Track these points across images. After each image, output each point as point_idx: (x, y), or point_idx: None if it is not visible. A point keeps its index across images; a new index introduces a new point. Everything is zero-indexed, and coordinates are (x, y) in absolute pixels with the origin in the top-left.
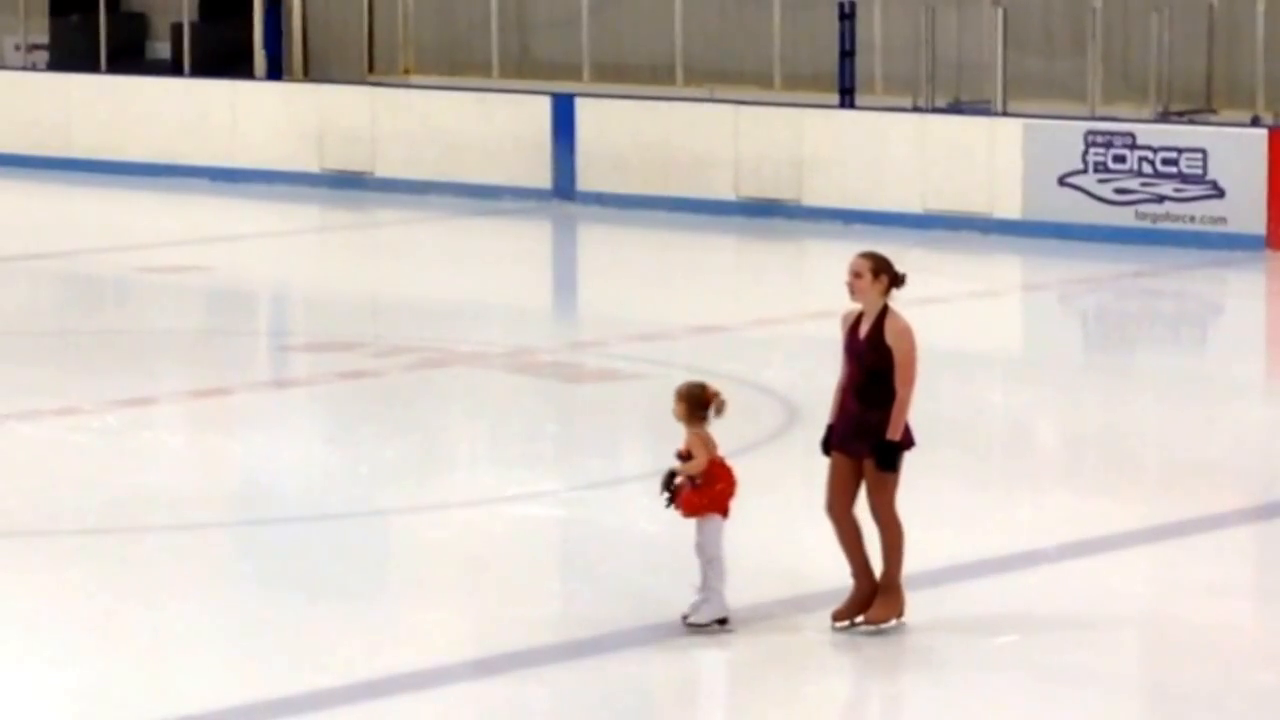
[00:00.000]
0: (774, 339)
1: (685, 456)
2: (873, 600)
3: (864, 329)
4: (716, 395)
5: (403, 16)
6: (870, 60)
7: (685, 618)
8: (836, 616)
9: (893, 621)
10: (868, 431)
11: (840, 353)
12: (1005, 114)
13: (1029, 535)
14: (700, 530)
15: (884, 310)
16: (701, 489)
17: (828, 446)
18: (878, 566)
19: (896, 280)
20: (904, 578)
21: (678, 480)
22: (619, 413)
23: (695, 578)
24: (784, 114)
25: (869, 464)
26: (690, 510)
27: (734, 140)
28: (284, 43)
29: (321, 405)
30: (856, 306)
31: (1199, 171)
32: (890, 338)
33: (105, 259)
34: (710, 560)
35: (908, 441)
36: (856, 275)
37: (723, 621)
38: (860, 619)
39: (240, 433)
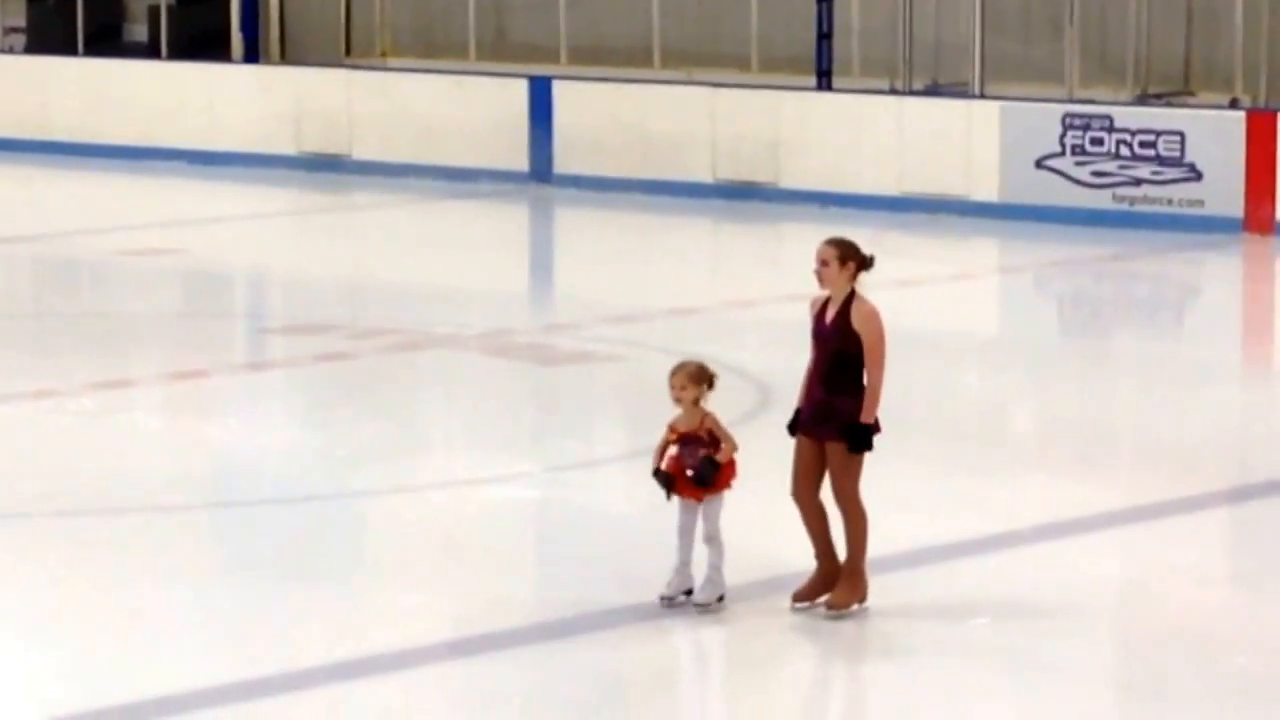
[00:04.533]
0: (750, 321)
1: (693, 437)
2: (835, 583)
3: (830, 314)
4: (713, 371)
5: None
6: (848, 43)
7: (684, 594)
8: (797, 597)
9: (854, 607)
10: (834, 416)
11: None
12: (983, 97)
13: (1003, 518)
14: (707, 510)
15: (851, 295)
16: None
17: (794, 429)
18: (842, 550)
19: (864, 264)
20: (875, 561)
21: (720, 463)
22: (595, 394)
23: (675, 557)
24: (761, 96)
25: (834, 448)
26: (718, 489)
27: (711, 123)
28: (261, 26)
29: (298, 388)
30: (824, 291)
31: (1176, 154)
32: (857, 323)
33: (82, 241)
34: (713, 538)
35: (875, 427)
36: (824, 263)
37: (721, 598)
38: (821, 600)
39: (217, 415)
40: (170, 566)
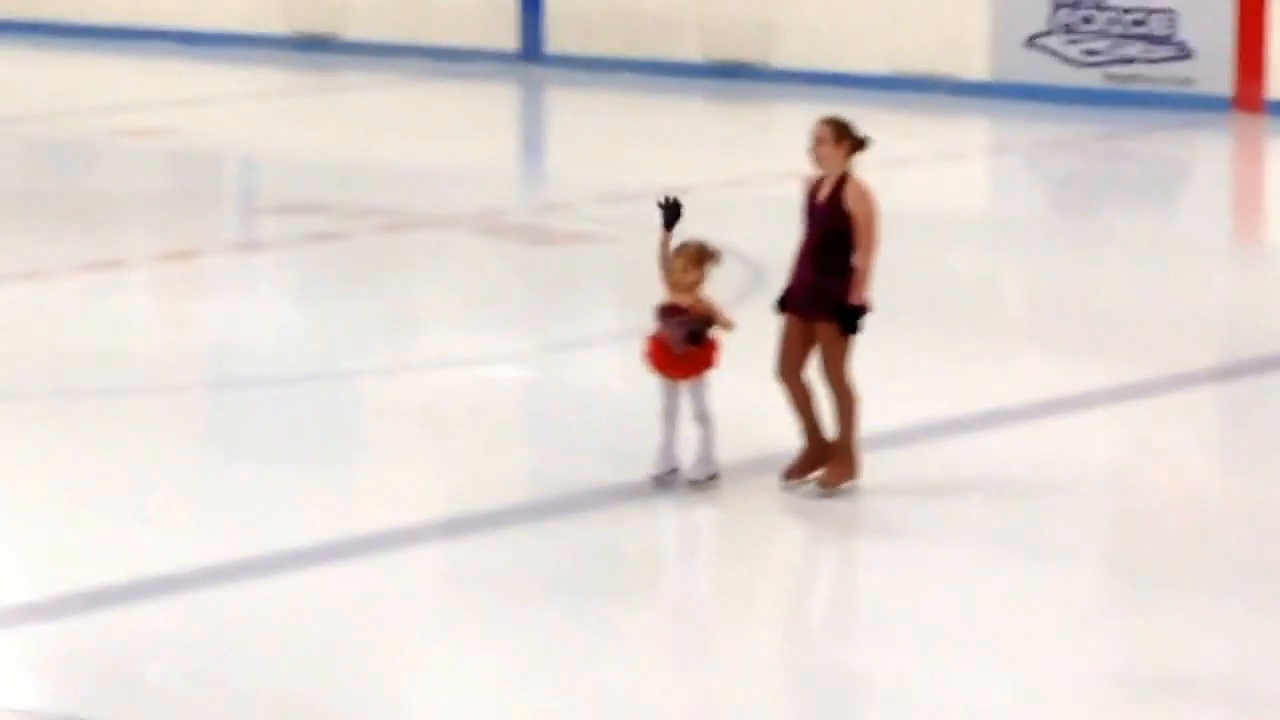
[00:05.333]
0: (741, 201)
1: (676, 309)
2: (822, 459)
3: (823, 193)
4: (716, 251)
5: None
6: None
7: (669, 473)
8: (786, 475)
9: (845, 485)
10: (823, 296)
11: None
12: None
13: (995, 397)
14: (695, 390)
15: (844, 175)
16: (709, 347)
17: (782, 307)
18: (828, 429)
19: (860, 144)
20: (867, 440)
21: (711, 336)
22: (586, 274)
23: (658, 438)
24: None
25: (824, 328)
26: (702, 368)
27: (701, 3)
28: None
29: (289, 268)
30: (820, 171)
31: (1167, 33)
32: (850, 202)
33: (72, 122)
34: (704, 417)
35: (866, 307)
36: (819, 141)
37: (713, 477)
38: (811, 478)
39: (208, 296)
40: (163, 447)
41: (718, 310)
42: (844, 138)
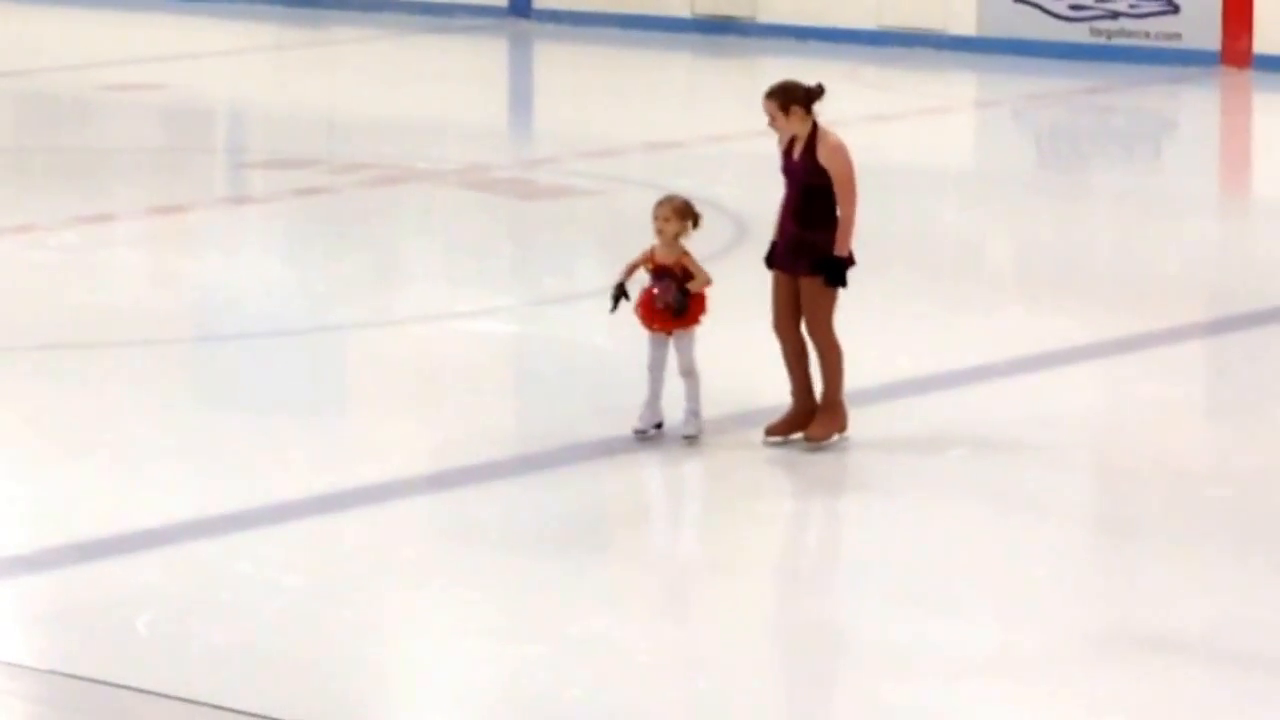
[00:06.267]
0: (727, 155)
1: (667, 270)
2: (809, 418)
3: (797, 150)
4: (698, 211)
5: None
6: None
7: (654, 427)
8: (770, 431)
9: (834, 438)
10: (805, 250)
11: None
12: None
13: (981, 352)
14: (681, 344)
15: (814, 130)
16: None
17: (770, 263)
18: (819, 388)
19: (810, 98)
20: (852, 394)
21: (691, 292)
22: (573, 229)
23: (645, 391)
24: None
25: (807, 282)
26: (689, 322)
27: None
28: None
29: (278, 222)
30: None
31: None
32: (824, 157)
33: (62, 77)
34: (689, 371)
35: (850, 260)
36: (770, 118)
37: (701, 430)
38: (797, 436)
39: (197, 250)
40: (152, 400)
41: (696, 269)
42: (789, 104)
